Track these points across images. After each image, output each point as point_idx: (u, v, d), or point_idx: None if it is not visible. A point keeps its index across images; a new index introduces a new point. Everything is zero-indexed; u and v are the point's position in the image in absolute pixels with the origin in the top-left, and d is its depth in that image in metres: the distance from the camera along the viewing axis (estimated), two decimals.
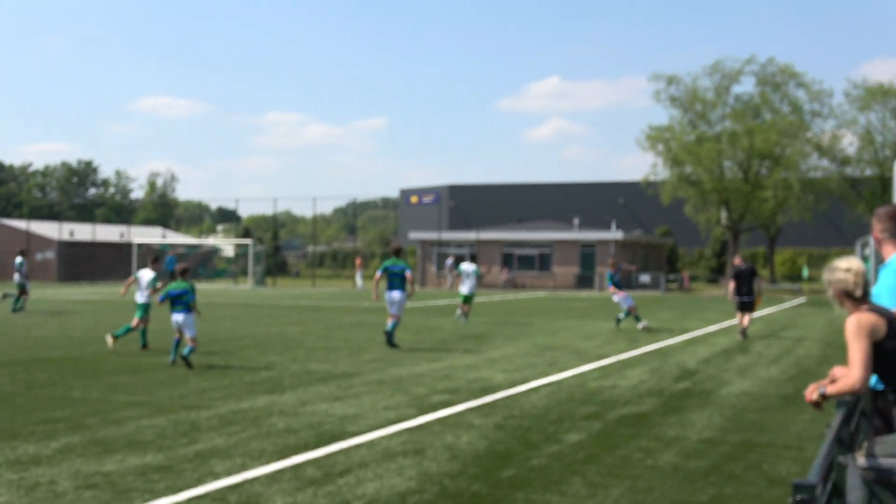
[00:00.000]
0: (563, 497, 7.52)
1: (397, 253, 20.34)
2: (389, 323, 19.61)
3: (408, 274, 19.73)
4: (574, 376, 15.19)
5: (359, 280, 60.60)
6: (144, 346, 18.73)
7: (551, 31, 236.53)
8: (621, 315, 26.04)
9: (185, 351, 15.86)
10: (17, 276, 30.64)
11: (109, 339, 19.04)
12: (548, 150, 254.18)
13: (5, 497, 7.34)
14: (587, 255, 61.01)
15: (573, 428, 10.53)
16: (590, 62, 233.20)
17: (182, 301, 16.28)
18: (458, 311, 27.30)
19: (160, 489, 7.63)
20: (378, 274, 20.53)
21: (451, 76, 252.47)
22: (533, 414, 11.46)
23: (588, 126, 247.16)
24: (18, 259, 30.75)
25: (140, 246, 65.97)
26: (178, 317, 16.21)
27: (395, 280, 19.83)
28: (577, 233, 63.76)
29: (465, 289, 26.82)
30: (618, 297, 25.83)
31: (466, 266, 27.38)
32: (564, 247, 61.28)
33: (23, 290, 30.62)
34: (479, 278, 28.25)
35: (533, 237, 62.92)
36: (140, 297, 19.25)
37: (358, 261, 62.49)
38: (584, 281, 60.14)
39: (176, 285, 16.51)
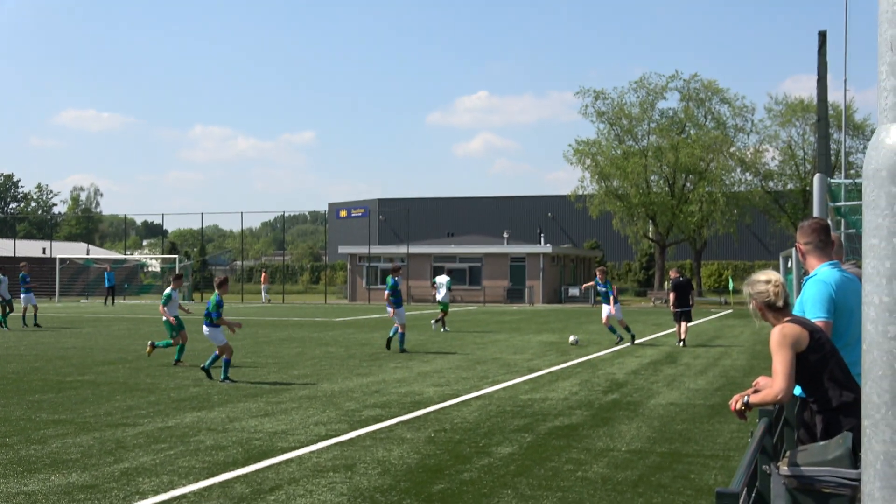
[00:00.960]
0: None
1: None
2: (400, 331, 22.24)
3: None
4: (505, 389, 15.24)
5: (264, 294, 61.14)
6: (177, 361, 18.88)
7: (480, 47, 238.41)
8: (619, 334, 24.98)
9: (205, 363, 16.54)
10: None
11: (149, 347, 19.92)
12: (477, 164, 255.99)
13: None
14: (517, 269, 61.31)
15: (504, 441, 10.56)
16: (518, 77, 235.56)
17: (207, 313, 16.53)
18: (433, 321, 30.69)
19: None
20: (387, 293, 22.82)
21: (381, 90, 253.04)
22: (464, 427, 11.47)
23: (516, 140, 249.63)
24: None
25: (63, 261, 64.71)
26: (204, 329, 16.54)
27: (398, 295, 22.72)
28: (507, 246, 64.07)
29: (440, 297, 30.55)
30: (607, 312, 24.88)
31: (440, 278, 31.14)
32: (494, 260, 61.54)
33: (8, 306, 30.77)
34: (450, 290, 31.18)
35: (463, 251, 63.09)
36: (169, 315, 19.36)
37: (264, 275, 62.84)
38: (514, 294, 60.43)
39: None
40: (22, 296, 31.14)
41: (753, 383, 5.47)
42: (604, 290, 25.02)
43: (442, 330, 29.77)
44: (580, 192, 65.63)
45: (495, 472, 8.94)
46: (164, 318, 19.22)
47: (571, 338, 24.96)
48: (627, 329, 25.11)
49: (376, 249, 65.99)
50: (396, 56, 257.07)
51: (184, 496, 7.92)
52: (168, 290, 19.45)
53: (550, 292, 61.09)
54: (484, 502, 7.77)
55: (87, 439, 10.54)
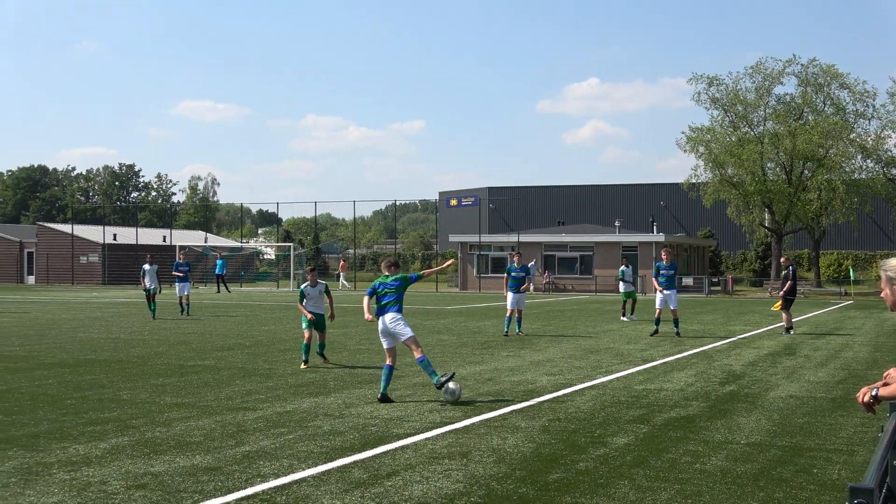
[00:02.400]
0: (611, 501, 7.47)
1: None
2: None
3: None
4: (619, 379, 15.11)
5: (343, 281, 62.69)
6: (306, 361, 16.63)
7: (590, 33, 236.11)
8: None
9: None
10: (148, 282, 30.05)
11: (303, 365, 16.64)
12: (587, 152, 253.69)
13: (57, 497, 7.42)
14: (629, 258, 60.69)
15: (619, 431, 10.47)
16: (629, 63, 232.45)
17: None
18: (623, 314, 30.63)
19: (209, 490, 7.67)
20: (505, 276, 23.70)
21: (490, 78, 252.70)
22: (578, 417, 11.41)
23: (627, 128, 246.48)
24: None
25: (182, 248, 66.53)
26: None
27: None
28: (619, 235, 63.44)
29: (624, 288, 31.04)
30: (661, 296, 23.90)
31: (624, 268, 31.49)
32: (606, 249, 60.97)
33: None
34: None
35: (574, 239, 62.69)
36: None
37: (342, 263, 65.32)
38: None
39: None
40: (177, 284, 31.30)
41: (884, 375, 5.29)
42: (670, 272, 23.91)
43: (624, 318, 30.02)
44: (693, 181, 64.55)
45: (611, 462, 8.87)
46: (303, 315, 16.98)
47: (626, 317, 24.63)
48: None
49: (487, 238, 66.06)
50: (506, 44, 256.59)
51: (303, 480, 8.06)
52: (302, 286, 17.30)
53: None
54: (601, 492, 7.72)
55: (209, 422, 10.81)
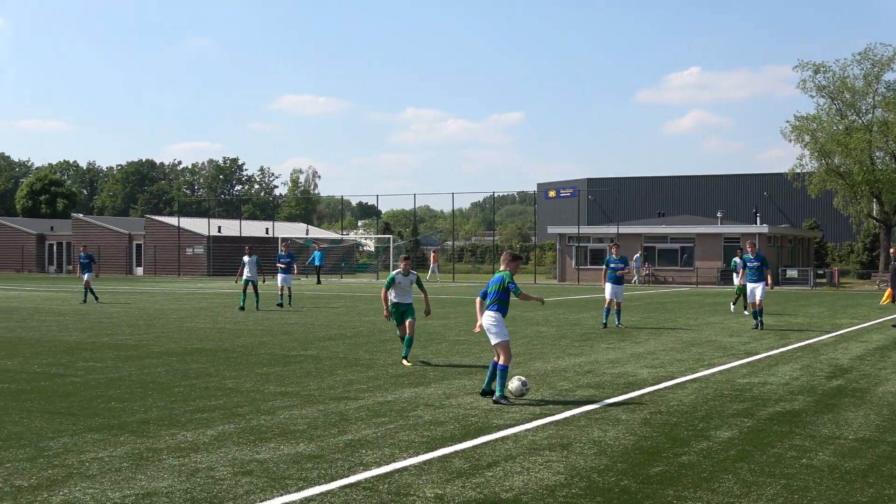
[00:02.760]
0: (715, 495, 7.38)
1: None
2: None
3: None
4: (721, 372, 14.88)
5: (435, 273, 62.52)
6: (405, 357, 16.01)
7: (692, 20, 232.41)
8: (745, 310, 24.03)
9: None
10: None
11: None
12: (688, 142, 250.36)
13: (167, 481, 7.63)
14: (731, 250, 59.61)
15: (723, 425, 10.32)
16: (732, 52, 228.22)
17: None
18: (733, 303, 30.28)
19: (313, 477, 7.80)
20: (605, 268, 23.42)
21: (589, 68, 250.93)
22: (680, 410, 11.27)
23: (730, 117, 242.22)
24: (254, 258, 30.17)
25: (284, 240, 67.56)
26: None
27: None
28: (721, 226, 62.40)
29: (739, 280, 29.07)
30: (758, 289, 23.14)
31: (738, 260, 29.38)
32: (707, 241, 60.02)
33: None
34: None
35: (674, 231, 61.87)
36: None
37: (433, 255, 65.06)
38: (729, 276, 58.70)
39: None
40: (279, 275, 31.19)
41: None
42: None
43: (732, 310, 29.75)
44: (798, 171, 63.17)
45: (715, 456, 8.75)
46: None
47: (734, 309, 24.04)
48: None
49: (585, 229, 65.64)
50: (605, 33, 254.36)
51: (405, 469, 8.14)
52: (393, 273, 16.10)
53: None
54: (704, 486, 7.62)
55: (311, 411, 10.99)
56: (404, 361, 15.51)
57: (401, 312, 15.75)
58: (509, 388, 11.68)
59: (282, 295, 31.19)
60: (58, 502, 7.01)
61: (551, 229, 68.34)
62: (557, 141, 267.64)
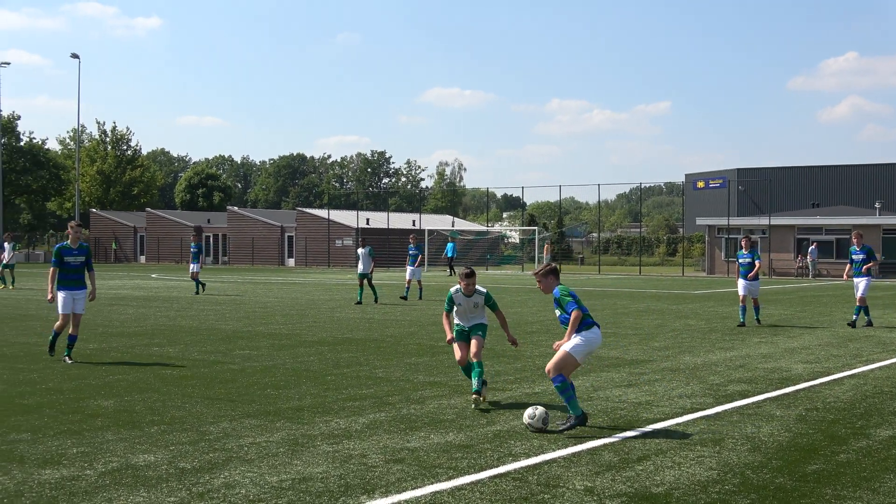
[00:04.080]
0: (876, 495, 7.14)
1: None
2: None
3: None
4: (881, 368, 14.35)
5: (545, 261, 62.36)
6: None
7: (848, 4, 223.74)
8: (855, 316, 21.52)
9: None
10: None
11: None
12: (843, 130, 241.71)
13: (322, 467, 7.84)
14: (891, 241, 57.30)
15: (883, 423, 9.96)
16: (892, 35, 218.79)
17: None
18: None
19: (463, 467, 7.89)
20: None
21: (739, 55, 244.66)
22: (837, 407, 10.93)
23: (889, 103, 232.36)
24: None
25: (430, 233, 68.28)
26: None
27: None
28: (879, 217, 60.00)
29: None
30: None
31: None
32: (865, 232, 57.75)
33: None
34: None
35: (829, 222, 59.82)
36: None
37: (546, 246, 65.17)
38: (888, 268, 56.45)
39: None
40: (408, 269, 31.59)
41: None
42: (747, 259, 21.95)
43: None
44: None
45: (875, 455, 8.45)
46: None
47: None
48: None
49: (735, 221, 64.09)
50: (756, 19, 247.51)
51: (553, 460, 8.15)
52: (451, 291, 12.52)
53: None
54: (864, 486, 7.38)
55: (460, 401, 11.10)
56: (476, 398, 10.85)
57: (465, 334, 11.55)
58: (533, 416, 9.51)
59: (408, 288, 31.06)
60: (219, 485, 7.29)
61: (700, 220, 66.95)
62: (706, 131, 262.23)
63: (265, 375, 13.20)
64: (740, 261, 22.34)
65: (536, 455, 8.34)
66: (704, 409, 10.66)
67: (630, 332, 19.90)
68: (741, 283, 21.90)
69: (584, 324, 9.57)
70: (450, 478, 7.53)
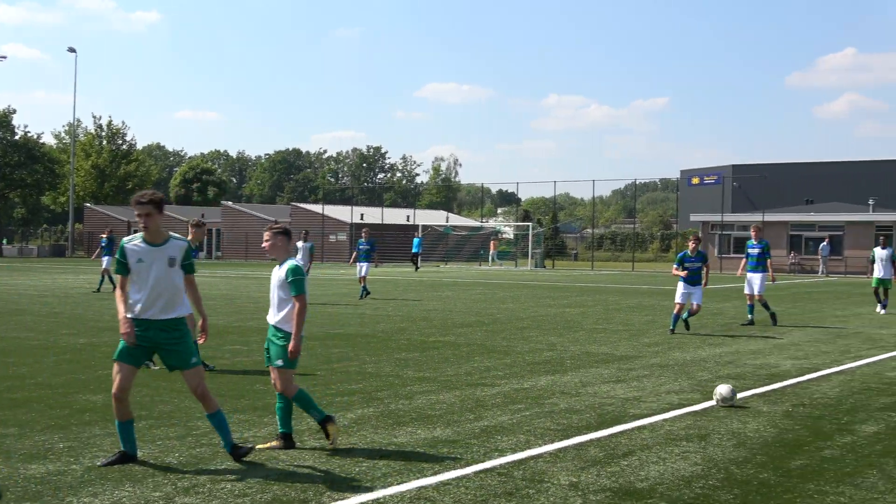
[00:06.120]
0: (858, 490, 7.18)
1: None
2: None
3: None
4: (869, 365, 14.41)
5: (495, 259, 65.16)
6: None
7: (848, 0, 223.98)
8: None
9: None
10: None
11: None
12: (840, 126, 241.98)
13: (308, 462, 7.86)
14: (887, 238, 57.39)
15: (869, 419, 10.01)
16: (890, 31, 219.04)
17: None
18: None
19: (449, 462, 7.92)
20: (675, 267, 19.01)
21: (737, 52, 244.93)
22: (824, 403, 10.98)
23: (887, 100, 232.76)
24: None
25: (424, 228, 68.27)
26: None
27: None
28: (872, 214, 60.12)
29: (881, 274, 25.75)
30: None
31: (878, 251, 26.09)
32: (858, 229, 57.93)
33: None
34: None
35: (823, 219, 59.94)
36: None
37: (493, 242, 66.86)
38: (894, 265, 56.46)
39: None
40: (359, 265, 29.84)
41: None
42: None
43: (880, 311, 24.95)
44: None
45: (859, 451, 8.50)
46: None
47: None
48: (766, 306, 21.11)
49: (730, 217, 64.22)
50: (755, 14, 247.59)
51: (540, 456, 8.18)
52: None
53: None
54: (847, 481, 7.42)
55: (449, 397, 11.13)
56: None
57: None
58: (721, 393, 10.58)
59: (364, 287, 29.29)
60: (204, 479, 7.31)
61: (694, 217, 67.11)
62: (702, 127, 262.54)
63: (255, 371, 13.21)
64: (749, 251, 21.19)
65: (523, 450, 8.37)
66: (692, 405, 10.70)
67: (620, 328, 19.94)
68: (681, 286, 18.98)
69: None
70: (435, 473, 7.56)
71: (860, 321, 22.23)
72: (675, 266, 19.13)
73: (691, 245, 19.01)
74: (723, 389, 10.61)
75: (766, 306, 21.00)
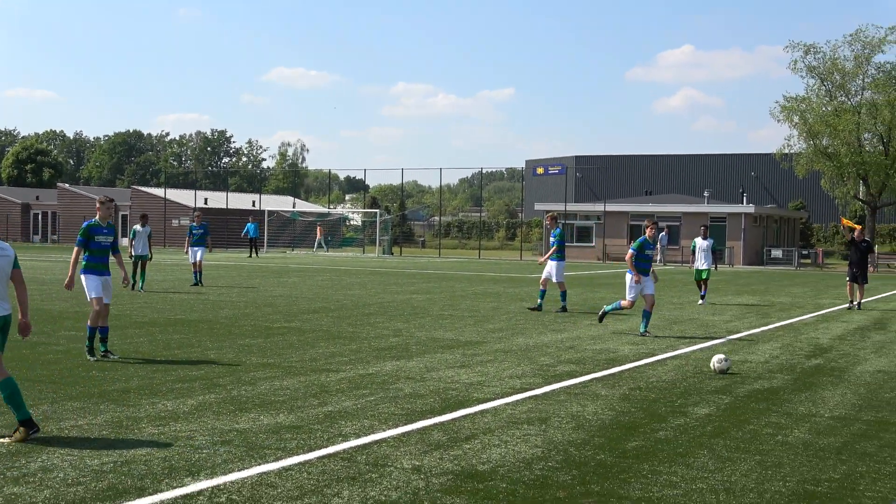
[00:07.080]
0: (689, 470, 7.45)
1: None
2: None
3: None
4: (702, 350, 14.97)
5: (322, 245, 65.50)
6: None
7: None
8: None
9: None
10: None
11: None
12: (678, 121, 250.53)
13: (146, 449, 7.66)
14: (717, 229, 59.76)
15: (701, 401, 10.40)
16: (726, 31, 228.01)
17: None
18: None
19: (292, 447, 7.84)
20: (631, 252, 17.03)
21: (581, 45, 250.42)
22: (659, 386, 11.35)
23: (722, 97, 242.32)
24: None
25: (271, 213, 67.42)
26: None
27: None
28: (707, 206, 62.53)
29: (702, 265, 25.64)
30: None
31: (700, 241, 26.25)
32: (693, 219, 60.08)
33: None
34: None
35: (661, 209, 61.98)
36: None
37: (319, 228, 66.88)
38: (714, 255, 58.87)
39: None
40: (192, 250, 28.15)
41: None
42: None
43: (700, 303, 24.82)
44: (786, 151, 63.18)
45: (691, 432, 8.82)
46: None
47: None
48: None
49: (573, 207, 65.69)
50: (598, 9, 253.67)
51: (384, 440, 8.19)
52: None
53: (752, 254, 59.31)
54: (680, 461, 7.69)
55: (293, 383, 11.02)
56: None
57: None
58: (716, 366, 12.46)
59: (197, 272, 27.63)
60: (35, 468, 7.03)
61: (538, 206, 68.44)
62: (547, 118, 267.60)
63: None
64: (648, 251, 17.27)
65: (367, 435, 8.36)
66: (533, 389, 10.90)
67: (466, 314, 20.15)
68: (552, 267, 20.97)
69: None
70: (277, 458, 7.47)
71: (695, 309, 23.08)
72: (630, 252, 16.88)
73: (649, 231, 17.27)
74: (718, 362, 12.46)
75: (563, 296, 21.58)
